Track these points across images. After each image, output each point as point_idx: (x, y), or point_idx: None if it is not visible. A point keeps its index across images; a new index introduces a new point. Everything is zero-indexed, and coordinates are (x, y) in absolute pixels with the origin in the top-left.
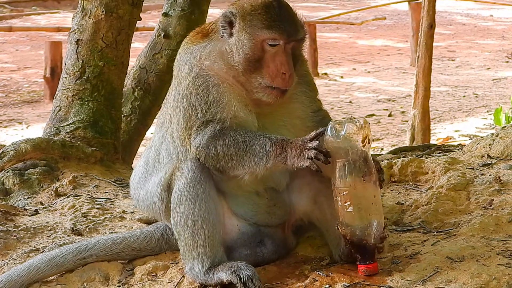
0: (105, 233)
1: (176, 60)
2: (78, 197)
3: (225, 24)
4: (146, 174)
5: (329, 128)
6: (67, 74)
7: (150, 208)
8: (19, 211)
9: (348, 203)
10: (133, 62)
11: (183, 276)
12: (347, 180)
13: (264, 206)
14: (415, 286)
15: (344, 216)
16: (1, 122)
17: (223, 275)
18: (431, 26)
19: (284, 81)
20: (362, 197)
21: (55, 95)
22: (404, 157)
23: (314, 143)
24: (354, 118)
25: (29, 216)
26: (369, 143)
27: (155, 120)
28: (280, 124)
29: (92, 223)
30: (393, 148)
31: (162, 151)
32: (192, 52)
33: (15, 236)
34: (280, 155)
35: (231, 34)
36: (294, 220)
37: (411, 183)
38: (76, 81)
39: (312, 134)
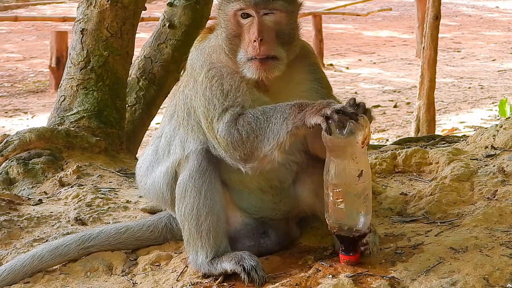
0: (109, 223)
1: (188, 59)
2: (82, 187)
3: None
4: (154, 163)
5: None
6: (72, 63)
7: (157, 197)
8: (23, 201)
9: (340, 200)
10: (138, 52)
11: (187, 266)
12: (342, 178)
13: (269, 203)
14: (418, 276)
15: (334, 212)
16: (6, 112)
17: (227, 265)
18: (437, 17)
19: (255, 49)
20: (355, 195)
21: (60, 84)
22: (408, 147)
23: (339, 105)
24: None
25: (33, 205)
26: (367, 144)
27: (160, 110)
28: None
29: (96, 213)
30: (398, 139)
31: (175, 142)
32: (203, 49)
33: (19, 225)
34: (299, 114)
35: None
36: (297, 212)
37: (415, 174)
38: (80, 70)
39: (339, 104)
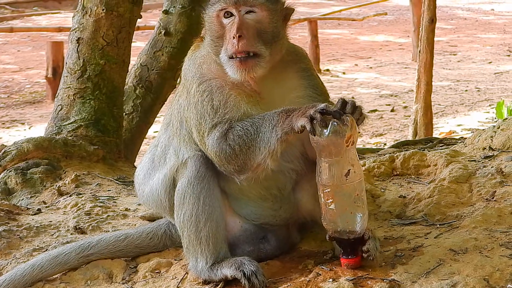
0: (108, 231)
1: (182, 69)
2: (80, 196)
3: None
4: (151, 171)
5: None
6: (68, 72)
7: (155, 204)
8: (22, 210)
9: (331, 200)
10: (134, 60)
11: (187, 273)
12: (329, 178)
13: (269, 210)
14: (419, 278)
15: (327, 213)
16: (3, 123)
17: (227, 270)
18: (432, 20)
19: (233, 45)
20: (345, 195)
21: (57, 94)
22: (406, 150)
23: (322, 105)
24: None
25: (32, 215)
26: (352, 144)
27: (157, 118)
28: None
29: (95, 221)
30: (396, 142)
31: (170, 152)
32: (195, 59)
33: (18, 235)
34: (286, 119)
35: None
36: (297, 218)
37: (413, 176)
38: (77, 79)
39: (322, 104)
